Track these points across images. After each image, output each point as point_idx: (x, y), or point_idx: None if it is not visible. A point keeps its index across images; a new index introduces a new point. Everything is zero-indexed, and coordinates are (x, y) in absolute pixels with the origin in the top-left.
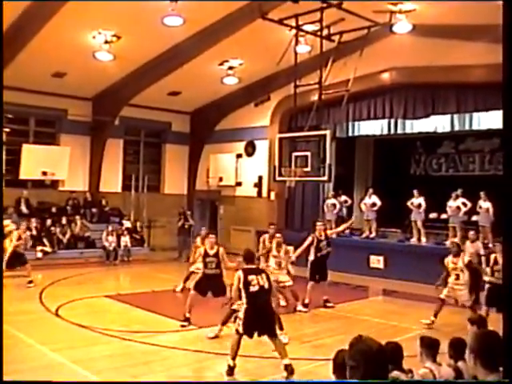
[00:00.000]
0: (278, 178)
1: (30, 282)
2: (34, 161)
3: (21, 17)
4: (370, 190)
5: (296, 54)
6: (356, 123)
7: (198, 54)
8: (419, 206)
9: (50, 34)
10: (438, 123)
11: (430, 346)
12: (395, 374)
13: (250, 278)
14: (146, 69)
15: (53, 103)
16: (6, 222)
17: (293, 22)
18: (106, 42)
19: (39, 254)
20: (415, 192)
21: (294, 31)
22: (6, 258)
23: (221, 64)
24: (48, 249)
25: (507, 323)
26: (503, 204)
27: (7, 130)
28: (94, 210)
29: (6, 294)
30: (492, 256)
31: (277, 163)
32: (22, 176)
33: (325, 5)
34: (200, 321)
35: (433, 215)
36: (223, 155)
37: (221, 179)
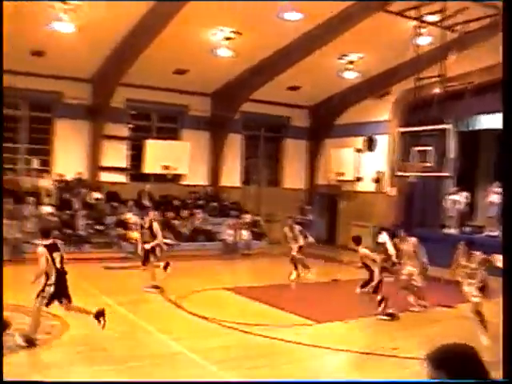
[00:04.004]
0: (398, 173)
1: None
2: (157, 156)
3: (143, 18)
4: (495, 186)
5: (417, 46)
6: (479, 117)
7: (317, 48)
8: None
9: (173, 33)
10: None
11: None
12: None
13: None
14: (265, 64)
15: (174, 99)
16: (129, 215)
17: (414, 14)
18: (226, 38)
19: (164, 247)
20: None
21: (414, 22)
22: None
23: (340, 58)
24: (171, 241)
25: (507, 322)
26: None
27: (131, 125)
28: (214, 203)
29: (126, 283)
30: None
31: (397, 158)
32: (146, 170)
33: None
34: (320, 316)
35: None
36: (343, 150)
37: (341, 174)
